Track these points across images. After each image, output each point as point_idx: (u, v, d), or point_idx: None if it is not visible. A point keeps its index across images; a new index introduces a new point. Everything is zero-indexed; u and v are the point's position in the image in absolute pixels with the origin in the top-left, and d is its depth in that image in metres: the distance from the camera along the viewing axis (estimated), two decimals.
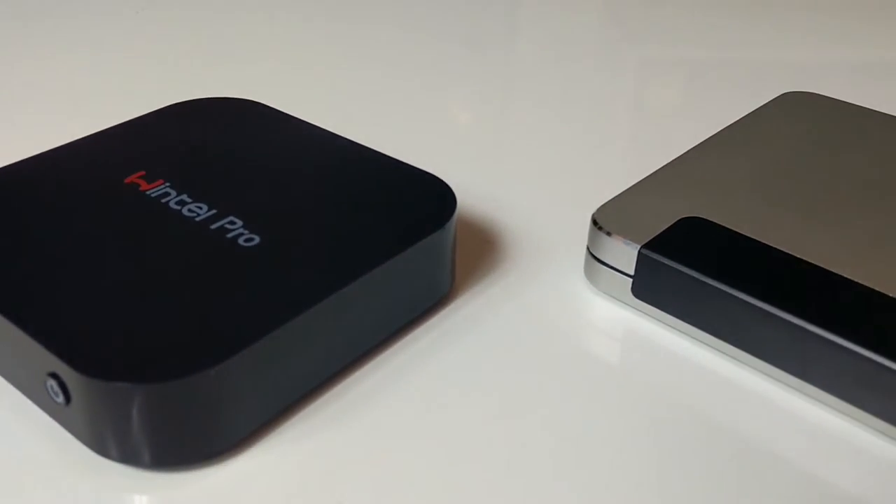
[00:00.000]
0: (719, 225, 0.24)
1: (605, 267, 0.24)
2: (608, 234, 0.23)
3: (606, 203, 0.25)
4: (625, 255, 0.23)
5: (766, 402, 0.21)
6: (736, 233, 0.23)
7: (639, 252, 0.23)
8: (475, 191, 0.29)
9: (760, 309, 0.21)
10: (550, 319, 0.24)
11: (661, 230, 0.23)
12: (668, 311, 0.23)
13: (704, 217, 0.24)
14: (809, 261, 0.22)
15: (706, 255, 0.22)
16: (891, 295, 0.21)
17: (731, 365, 0.22)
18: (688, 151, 0.28)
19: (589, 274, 0.25)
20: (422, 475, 0.19)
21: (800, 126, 0.29)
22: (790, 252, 0.23)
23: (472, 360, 0.22)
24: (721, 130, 0.29)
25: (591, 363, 0.22)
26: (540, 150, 0.32)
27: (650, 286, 0.23)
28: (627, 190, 0.25)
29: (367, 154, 0.25)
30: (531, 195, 0.29)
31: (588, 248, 0.24)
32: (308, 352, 0.20)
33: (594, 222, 0.24)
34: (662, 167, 0.27)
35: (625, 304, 0.24)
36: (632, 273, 0.23)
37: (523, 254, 0.26)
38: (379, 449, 0.20)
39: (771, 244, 0.23)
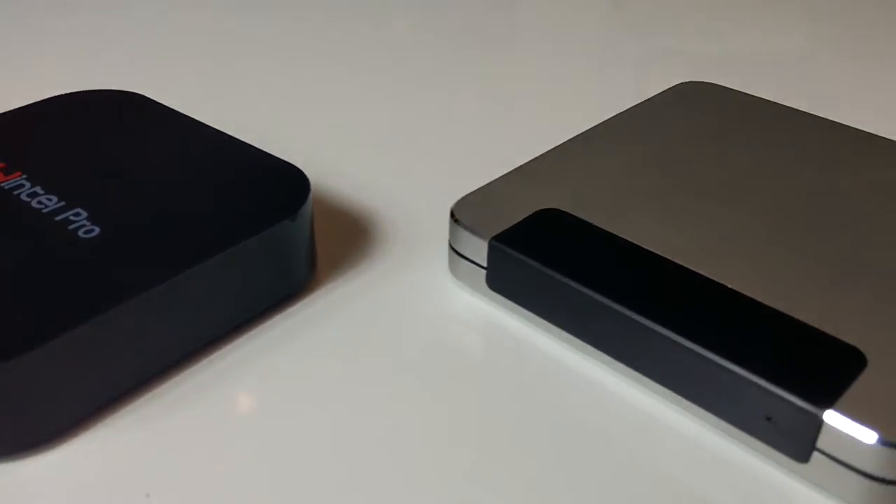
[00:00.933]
0: (575, 217, 0.23)
1: (462, 259, 0.24)
2: (463, 225, 0.23)
3: (468, 195, 0.25)
4: (478, 246, 0.23)
5: (609, 393, 0.21)
6: (590, 225, 0.23)
7: (489, 244, 0.23)
8: (353, 182, 0.29)
9: (596, 301, 0.21)
10: (409, 311, 0.24)
11: (515, 222, 0.23)
12: (519, 302, 0.23)
13: (564, 209, 0.24)
14: (659, 253, 0.22)
15: (553, 247, 0.22)
16: (731, 287, 0.21)
17: (576, 356, 0.22)
18: (566, 141, 0.27)
19: (451, 266, 0.24)
20: (239, 473, 0.19)
21: (688, 116, 0.29)
22: (641, 244, 0.22)
23: (322, 353, 0.22)
24: (607, 120, 0.29)
25: (444, 355, 0.22)
26: (423, 143, 0.32)
27: (502, 278, 0.23)
28: (493, 181, 0.25)
29: (230, 144, 0.25)
30: (409, 187, 0.29)
31: (449, 241, 0.24)
32: (133, 343, 0.20)
33: (451, 214, 0.24)
34: (535, 158, 0.27)
35: (483, 296, 0.24)
36: (486, 265, 0.23)
37: (394, 245, 0.26)
38: (200, 444, 0.20)
39: (624, 236, 0.23)
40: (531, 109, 0.35)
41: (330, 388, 0.21)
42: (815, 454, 0.18)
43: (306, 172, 0.29)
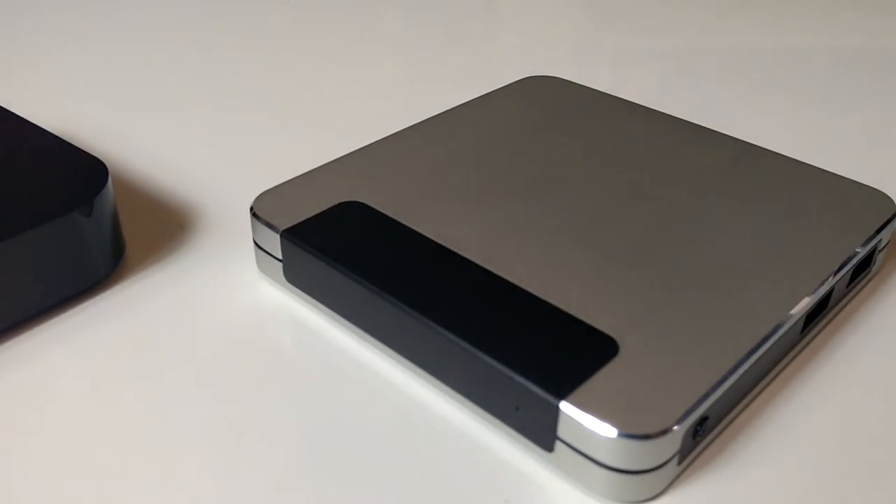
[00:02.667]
0: (376, 210, 0.23)
1: (263, 252, 0.24)
2: (260, 219, 0.23)
3: (272, 188, 0.25)
4: (273, 239, 0.23)
5: (390, 386, 0.21)
6: (388, 218, 0.23)
7: (280, 237, 0.23)
8: (174, 175, 0.29)
9: (369, 292, 0.21)
10: (209, 304, 0.24)
11: (312, 215, 0.23)
12: (312, 295, 0.23)
13: (370, 202, 0.24)
14: (448, 247, 0.22)
15: (341, 240, 0.22)
16: (508, 279, 0.21)
17: (364, 348, 0.22)
18: (392, 134, 0.27)
19: (256, 260, 0.24)
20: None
21: (523, 110, 0.29)
22: (434, 238, 0.22)
23: (115, 346, 0.22)
24: (442, 113, 0.29)
25: (233, 347, 0.22)
26: (252, 137, 0.32)
27: (295, 271, 0.23)
28: (302, 174, 0.25)
29: (30, 133, 0.25)
30: (231, 181, 0.29)
31: (252, 234, 0.24)
32: None
33: (251, 208, 0.24)
34: (354, 151, 0.27)
35: (283, 288, 0.24)
36: (281, 258, 0.23)
37: (209, 239, 0.26)
38: None
39: (420, 230, 0.23)
40: (369, 103, 0.35)
41: (111, 383, 0.21)
42: (559, 444, 0.18)
43: (126, 164, 0.28)
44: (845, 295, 0.23)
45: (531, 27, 0.42)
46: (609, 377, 0.18)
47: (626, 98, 0.34)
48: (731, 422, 0.20)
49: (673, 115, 0.29)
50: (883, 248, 0.24)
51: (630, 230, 0.23)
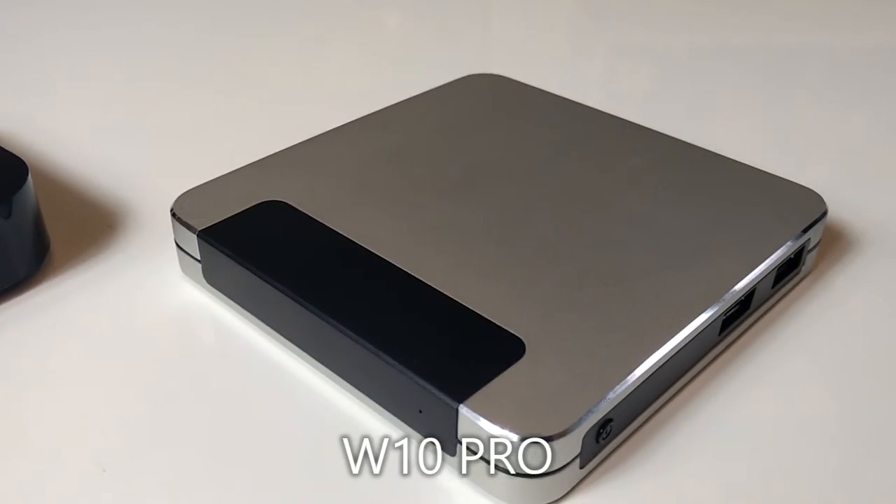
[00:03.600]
0: (295, 209, 0.23)
1: (183, 253, 0.23)
2: (178, 219, 0.23)
3: (194, 188, 0.24)
4: (191, 240, 0.23)
5: (305, 389, 0.21)
6: (308, 217, 0.23)
7: (197, 237, 0.22)
8: (107, 175, 0.29)
9: (277, 292, 0.21)
10: (132, 304, 0.23)
11: (230, 215, 0.23)
12: (228, 296, 0.23)
13: (293, 202, 0.23)
14: (364, 246, 0.22)
15: (256, 241, 0.22)
16: (422, 279, 0.21)
17: (275, 347, 0.22)
18: (323, 133, 0.27)
19: (179, 260, 0.24)
20: None
21: (460, 108, 0.29)
22: (351, 237, 0.22)
23: (34, 347, 0.22)
24: (377, 111, 0.29)
25: (158, 348, 0.22)
26: (187, 136, 0.32)
27: (213, 271, 0.23)
28: (226, 174, 0.25)
29: None
30: (166, 181, 0.28)
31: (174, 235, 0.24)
32: None
33: (171, 208, 0.24)
34: (283, 150, 0.26)
35: (203, 289, 0.24)
36: (199, 258, 0.23)
37: (138, 239, 0.26)
38: None
39: (339, 229, 0.22)
40: (307, 101, 0.34)
41: (29, 385, 0.21)
42: (460, 448, 0.18)
43: (57, 163, 0.28)
44: (771, 296, 0.23)
45: (482, 23, 0.42)
46: (513, 379, 0.18)
47: (571, 97, 0.34)
48: (642, 424, 0.20)
49: (615, 114, 0.29)
50: (813, 249, 0.24)
51: (552, 230, 0.23)
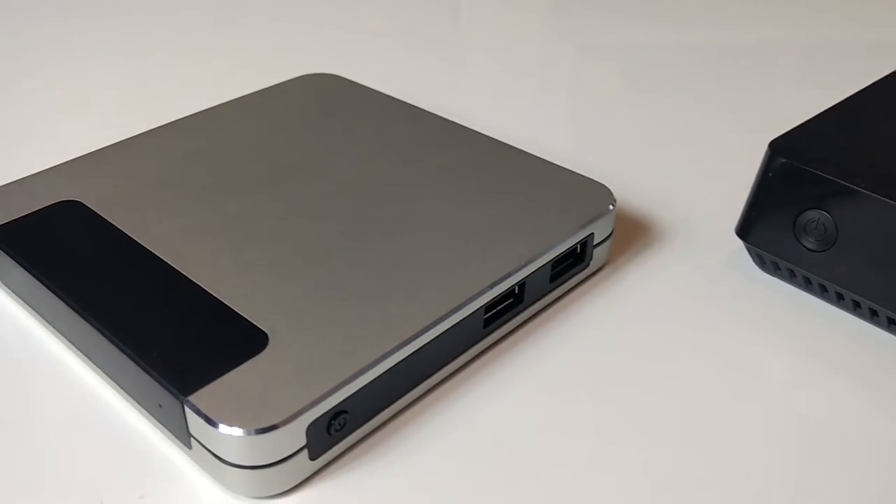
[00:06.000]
0: (88, 209, 0.23)
1: None
2: None
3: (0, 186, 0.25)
4: None
5: (82, 389, 0.21)
6: (97, 217, 0.23)
7: None
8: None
9: (48, 291, 0.21)
10: None
11: (22, 215, 0.23)
12: (17, 294, 0.23)
13: (87, 202, 0.24)
14: (147, 247, 0.22)
15: (38, 241, 0.22)
16: (190, 277, 0.21)
17: (60, 346, 0.22)
18: (140, 133, 0.27)
19: None
20: None
21: (288, 107, 0.29)
22: (134, 236, 0.22)
23: None
24: (200, 111, 0.29)
25: None
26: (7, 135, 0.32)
27: (2, 270, 0.23)
28: (32, 175, 0.25)
29: None
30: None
31: None
32: None
33: None
34: (96, 150, 0.26)
35: (7, 288, 0.24)
36: None
37: None
38: None
39: (125, 229, 0.23)
40: (147, 98, 0.35)
41: None
42: (193, 441, 0.18)
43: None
44: (551, 290, 0.23)
45: (330, 24, 0.42)
46: (250, 372, 0.18)
47: (420, 96, 0.34)
48: (393, 418, 0.20)
49: (459, 114, 0.29)
50: (601, 243, 0.24)
51: (331, 227, 0.23)
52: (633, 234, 0.26)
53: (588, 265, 0.24)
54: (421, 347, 0.20)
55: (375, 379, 0.19)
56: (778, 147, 0.22)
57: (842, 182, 0.21)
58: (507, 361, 0.22)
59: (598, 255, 0.24)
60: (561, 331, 0.23)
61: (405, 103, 0.29)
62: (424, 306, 0.20)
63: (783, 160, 0.22)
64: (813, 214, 0.22)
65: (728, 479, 0.19)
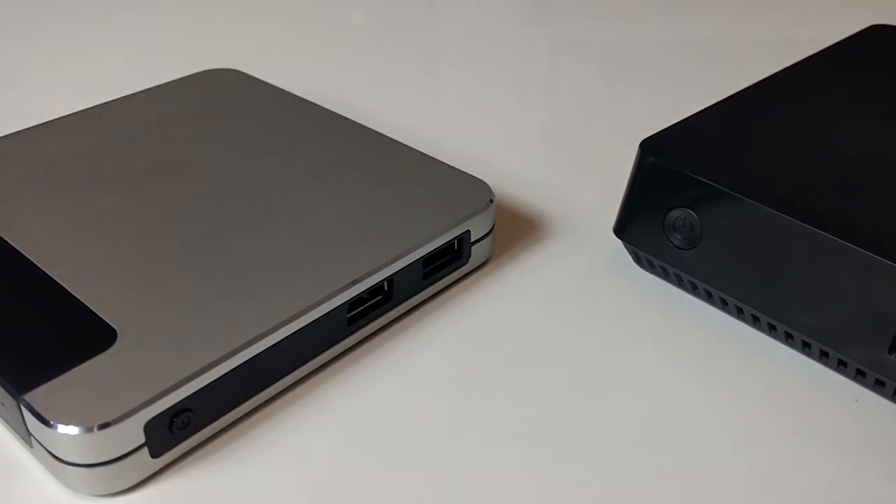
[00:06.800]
0: None
1: None
2: None
3: None
4: None
5: None
6: None
7: None
8: None
9: None
10: None
11: None
12: None
13: None
14: (9, 241, 0.22)
15: None
16: (49, 274, 0.21)
17: None
18: (39, 124, 0.27)
19: None
20: None
21: (181, 103, 0.29)
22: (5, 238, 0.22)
23: None
24: (94, 106, 0.28)
25: None
26: None
27: None
28: None
29: None
30: None
31: None
32: None
33: None
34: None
35: None
36: None
37: None
38: None
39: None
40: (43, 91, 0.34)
41: None
42: (33, 439, 0.18)
43: None
44: (425, 287, 0.23)
45: (237, 19, 0.42)
46: (94, 369, 0.18)
47: (321, 95, 0.34)
48: (250, 415, 0.20)
49: (347, 111, 0.29)
50: (480, 240, 0.24)
51: (200, 223, 0.22)
52: (521, 231, 0.26)
53: (467, 262, 0.24)
54: (273, 345, 0.19)
55: (222, 377, 0.19)
56: (648, 146, 0.22)
57: (706, 181, 0.21)
58: (375, 359, 0.21)
59: (479, 251, 0.24)
60: (433, 328, 0.22)
61: (300, 98, 0.29)
62: (278, 304, 0.20)
63: (652, 159, 0.22)
64: (680, 213, 0.22)
65: (587, 474, 0.18)
